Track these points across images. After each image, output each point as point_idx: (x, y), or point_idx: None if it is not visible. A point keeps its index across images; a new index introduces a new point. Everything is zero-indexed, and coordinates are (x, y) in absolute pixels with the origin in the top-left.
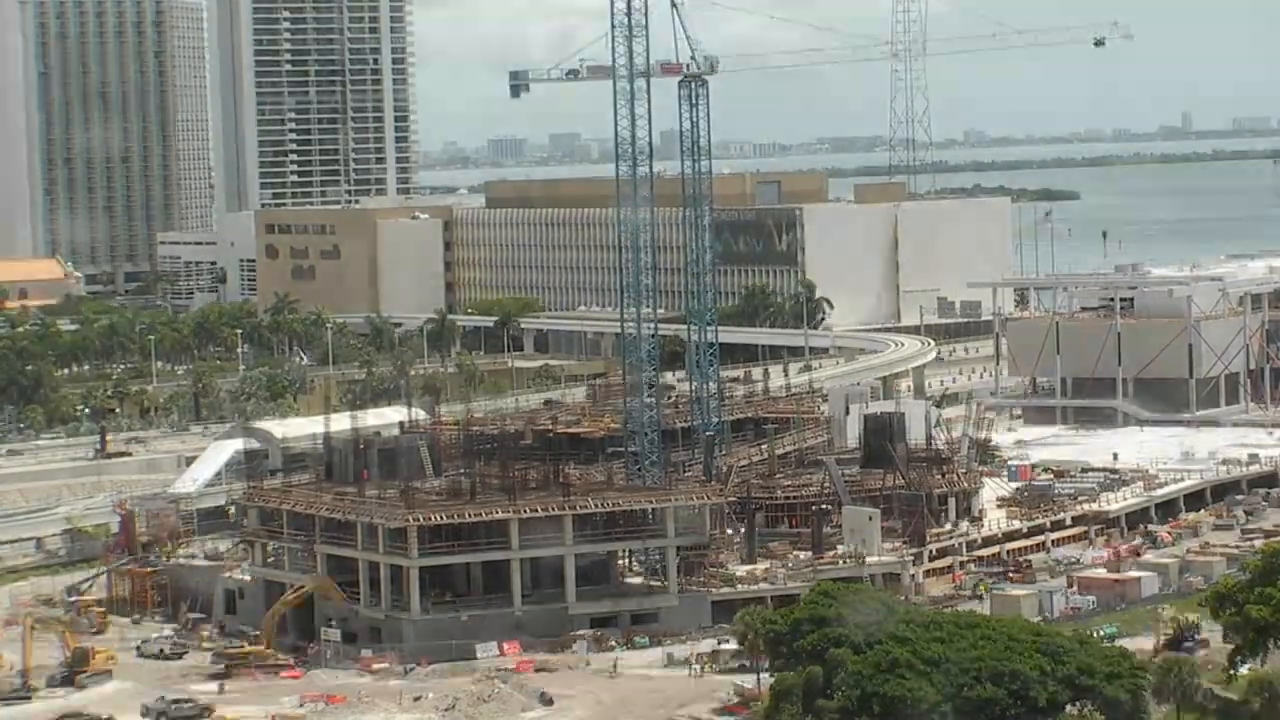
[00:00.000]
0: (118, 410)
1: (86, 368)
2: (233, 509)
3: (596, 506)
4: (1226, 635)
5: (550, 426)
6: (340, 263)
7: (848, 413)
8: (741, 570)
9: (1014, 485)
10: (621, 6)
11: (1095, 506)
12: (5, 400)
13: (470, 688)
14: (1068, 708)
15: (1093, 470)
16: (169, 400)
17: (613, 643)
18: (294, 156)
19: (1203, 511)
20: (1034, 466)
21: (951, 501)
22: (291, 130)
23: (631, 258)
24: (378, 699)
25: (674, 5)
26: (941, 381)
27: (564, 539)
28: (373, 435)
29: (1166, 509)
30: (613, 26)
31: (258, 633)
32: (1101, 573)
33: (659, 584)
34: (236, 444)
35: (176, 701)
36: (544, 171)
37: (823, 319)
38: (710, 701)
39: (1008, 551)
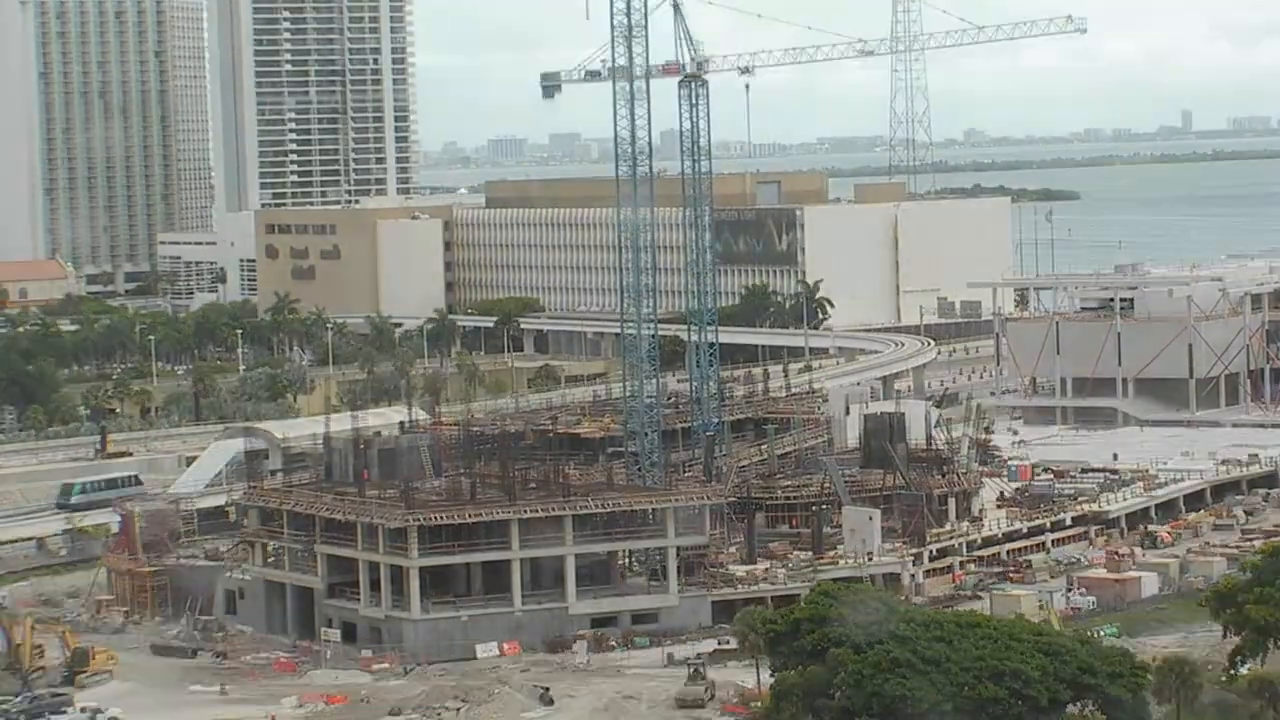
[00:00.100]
0: (118, 410)
1: (87, 368)
2: (233, 509)
3: (596, 507)
4: (1226, 635)
5: (550, 426)
6: (340, 263)
7: (848, 413)
8: (741, 570)
9: (1014, 485)
10: (621, 7)
11: (1095, 507)
12: (6, 400)
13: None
14: (1069, 707)
15: (1093, 470)
16: (169, 400)
17: (613, 643)
18: (294, 156)
19: (1203, 511)
20: (1034, 467)
21: (951, 502)
22: (291, 130)
23: (631, 258)
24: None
25: (675, 7)
26: (941, 381)
27: (564, 539)
28: (373, 435)
29: (1166, 509)
30: (612, 28)
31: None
32: (1102, 573)
33: (658, 584)
34: (237, 444)
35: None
36: (544, 171)
37: (823, 319)
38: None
39: (1008, 552)
